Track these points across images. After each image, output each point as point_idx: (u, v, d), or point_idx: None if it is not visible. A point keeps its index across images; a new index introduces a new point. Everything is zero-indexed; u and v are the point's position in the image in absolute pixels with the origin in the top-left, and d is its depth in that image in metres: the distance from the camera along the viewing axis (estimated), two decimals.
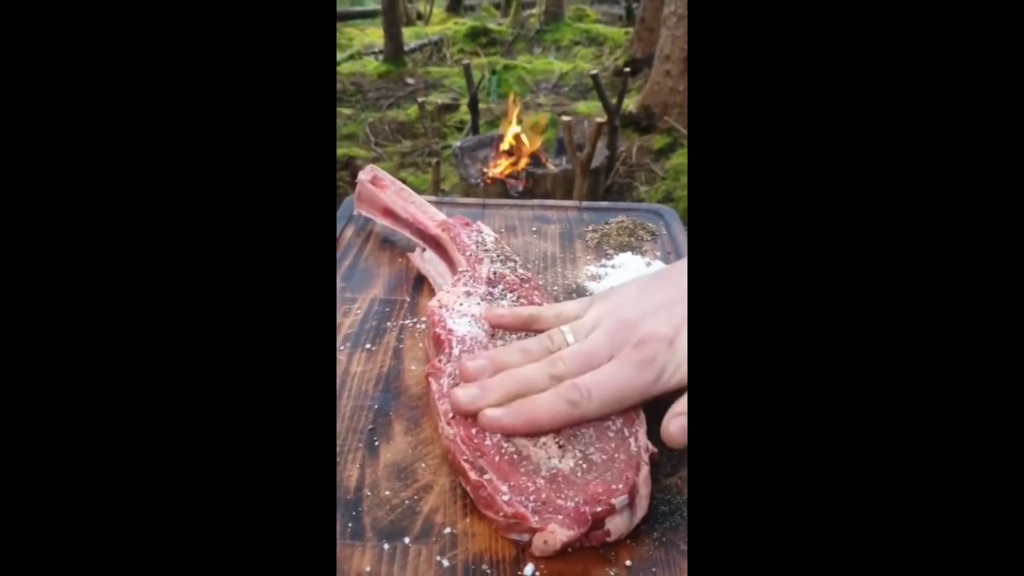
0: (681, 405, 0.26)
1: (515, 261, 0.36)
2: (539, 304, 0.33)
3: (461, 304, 0.32)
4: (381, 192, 0.43)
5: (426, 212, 0.41)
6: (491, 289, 0.33)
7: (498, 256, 0.36)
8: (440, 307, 0.32)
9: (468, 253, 0.36)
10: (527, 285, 0.34)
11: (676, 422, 0.25)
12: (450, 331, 0.30)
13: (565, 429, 0.26)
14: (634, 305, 0.28)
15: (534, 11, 4.04)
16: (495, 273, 0.34)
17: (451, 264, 0.37)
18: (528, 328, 0.30)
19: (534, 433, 0.25)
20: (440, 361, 0.29)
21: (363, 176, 0.44)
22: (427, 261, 0.39)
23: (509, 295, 0.33)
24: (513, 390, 0.26)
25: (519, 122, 1.77)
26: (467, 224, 0.39)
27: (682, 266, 0.31)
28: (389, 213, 0.42)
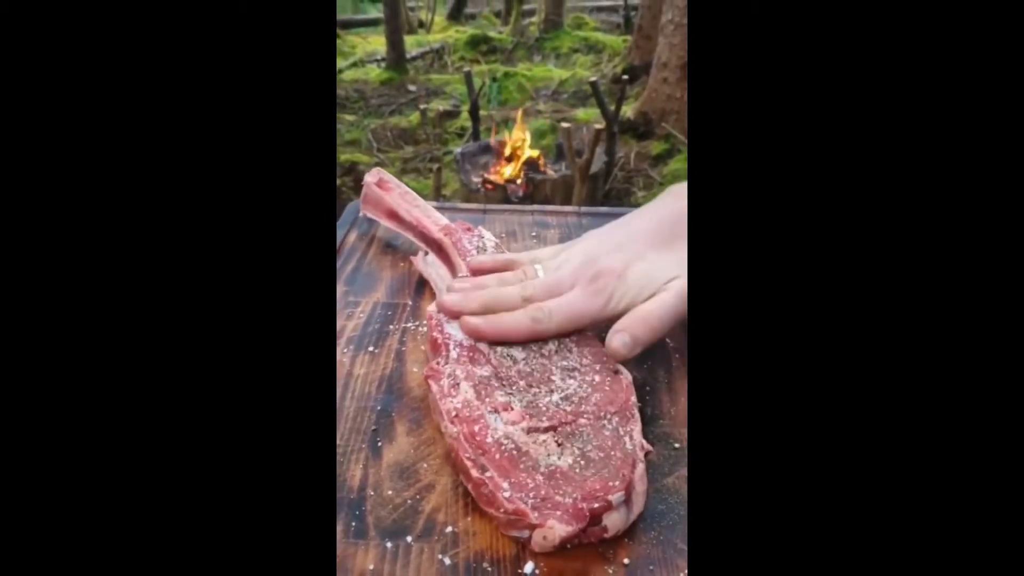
0: (622, 323, 0.30)
1: None
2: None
3: None
4: (386, 195, 0.43)
5: (429, 216, 0.42)
6: None
7: None
8: (439, 312, 0.33)
9: (469, 258, 0.37)
10: None
11: (617, 337, 0.30)
12: (448, 335, 0.31)
13: (562, 427, 0.26)
14: (596, 245, 0.33)
15: (534, 19, 4.07)
16: None
17: (452, 268, 0.38)
18: (507, 269, 0.35)
19: (502, 341, 0.30)
20: (438, 364, 0.29)
21: (369, 178, 0.44)
22: (429, 265, 0.40)
23: None
24: (490, 302, 0.31)
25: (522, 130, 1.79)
26: (469, 229, 0.39)
27: (643, 212, 0.35)
28: (393, 215, 0.43)
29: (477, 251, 0.37)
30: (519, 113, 1.81)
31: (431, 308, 0.33)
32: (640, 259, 0.31)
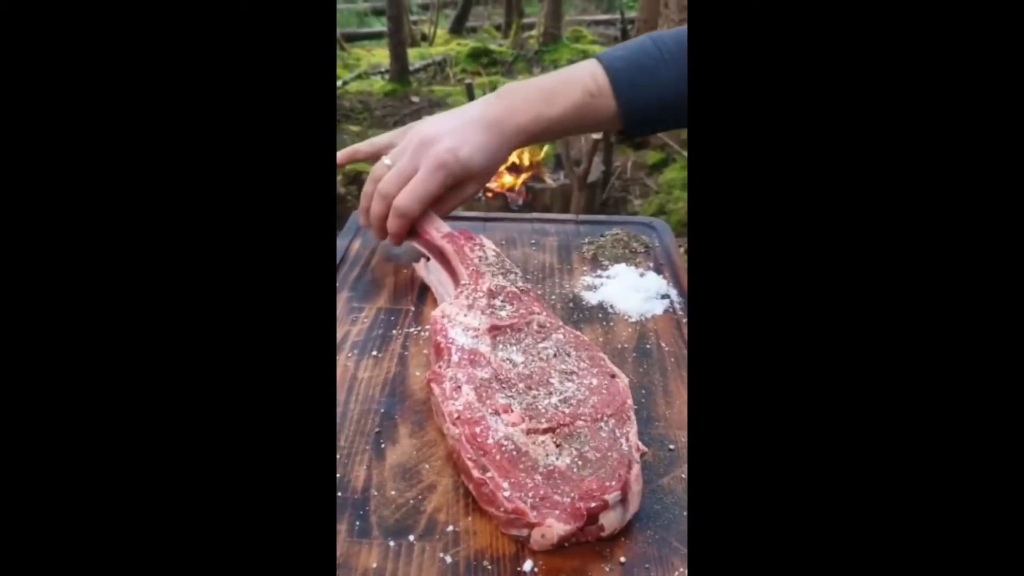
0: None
1: (515, 274, 0.38)
2: (538, 313, 0.34)
3: (465, 316, 0.33)
4: None
5: (432, 223, 0.43)
6: (492, 301, 0.35)
7: (499, 270, 0.37)
8: (443, 317, 0.33)
9: (471, 267, 0.37)
10: (527, 297, 0.36)
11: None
12: (451, 340, 0.32)
13: (561, 428, 0.27)
14: (433, 127, 0.42)
15: (533, 32, 4.11)
16: (496, 286, 0.36)
17: (453, 275, 0.39)
18: (353, 159, 0.46)
19: (399, 243, 0.43)
20: (440, 367, 0.30)
21: None
22: (430, 271, 0.41)
23: (508, 307, 0.34)
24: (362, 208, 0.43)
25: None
26: (471, 238, 0.40)
27: (471, 105, 0.44)
28: None
29: (478, 259, 0.38)
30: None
31: (435, 313, 0.34)
32: (467, 144, 0.41)
